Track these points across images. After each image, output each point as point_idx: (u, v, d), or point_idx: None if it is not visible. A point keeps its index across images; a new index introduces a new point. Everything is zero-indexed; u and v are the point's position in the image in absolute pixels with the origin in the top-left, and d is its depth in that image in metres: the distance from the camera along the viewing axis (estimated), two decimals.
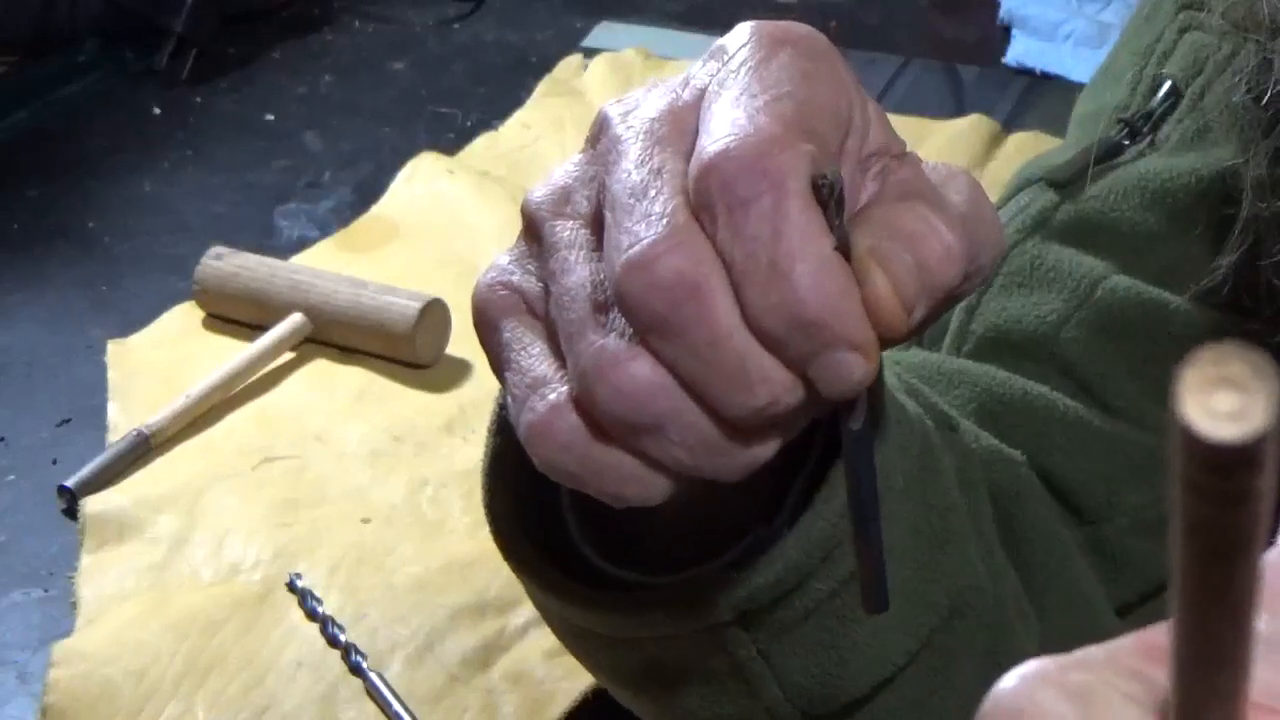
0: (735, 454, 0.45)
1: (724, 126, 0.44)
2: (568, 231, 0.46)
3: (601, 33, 1.84)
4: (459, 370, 1.31)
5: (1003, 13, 1.81)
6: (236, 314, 1.36)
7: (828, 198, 0.43)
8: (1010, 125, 1.61)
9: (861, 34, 1.81)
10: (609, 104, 0.47)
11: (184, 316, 1.38)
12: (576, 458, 0.45)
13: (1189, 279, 0.70)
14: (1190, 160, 0.71)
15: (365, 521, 1.16)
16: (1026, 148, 1.51)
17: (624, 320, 0.44)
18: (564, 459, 0.45)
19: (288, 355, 1.32)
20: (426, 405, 1.27)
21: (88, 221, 1.53)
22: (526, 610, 1.06)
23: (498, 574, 1.09)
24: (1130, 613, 0.71)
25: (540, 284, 0.47)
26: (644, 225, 0.43)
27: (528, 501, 0.57)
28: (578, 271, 0.45)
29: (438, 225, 1.48)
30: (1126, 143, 0.73)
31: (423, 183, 1.55)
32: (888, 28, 1.84)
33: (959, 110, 1.65)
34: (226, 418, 1.26)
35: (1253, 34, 0.66)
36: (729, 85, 0.45)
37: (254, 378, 1.30)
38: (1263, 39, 0.66)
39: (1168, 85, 0.72)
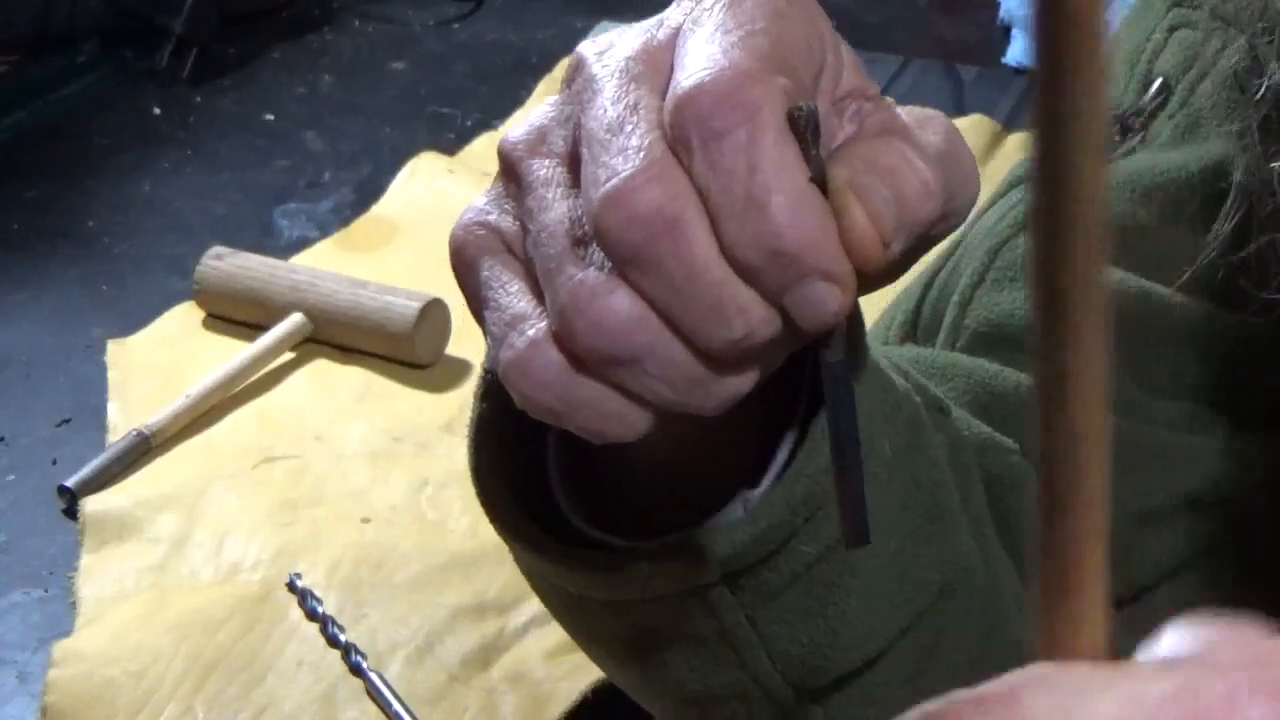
0: (713, 387, 0.45)
1: (699, 62, 0.44)
2: (544, 169, 0.46)
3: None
4: (459, 370, 1.31)
5: (1003, 13, 1.81)
6: (236, 314, 1.36)
7: (803, 130, 0.44)
8: (1010, 125, 1.61)
9: (861, 34, 1.81)
10: (584, 44, 0.48)
11: (184, 316, 1.38)
12: (556, 393, 0.45)
13: (1180, 272, 0.70)
14: (1181, 155, 0.71)
15: (365, 521, 1.16)
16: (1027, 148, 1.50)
17: (602, 255, 0.44)
18: (543, 395, 0.45)
19: (288, 355, 1.32)
20: (426, 405, 1.27)
21: (88, 221, 1.53)
22: (526, 610, 1.06)
23: (498, 574, 1.09)
24: (1123, 607, 0.71)
25: (517, 223, 0.47)
26: (621, 159, 0.43)
27: (515, 470, 0.57)
28: (555, 208, 0.45)
29: (438, 225, 1.48)
30: (1118, 139, 0.73)
31: (423, 182, 1.55)
32: (888, 28, 1.84)
33: (959, 110, 1.65)
34: (226, 418, 1.26)
35: (1243, 29, 0.67)
36: (703, 23, 0.45)
37: (254, 378, 1.30)
38: (1252, 33, 0.66)
39: (1159, 82, 0.73)
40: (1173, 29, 0.74)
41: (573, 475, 0.56)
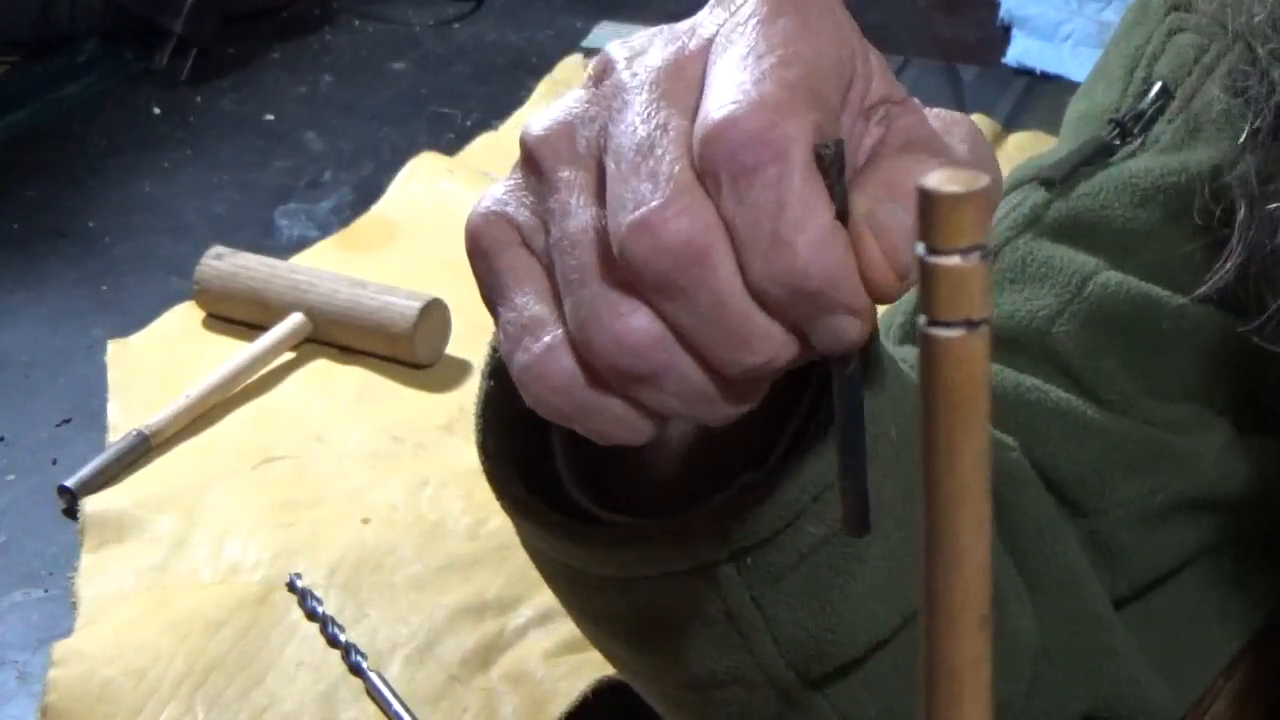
0: (725, 402, 0.46)
1: (729, 91, 0.44)
2: (569, 172, 0.46)
3: (601, 33, 1.84)
4: (459, 370, 1.31)
5: (1003, 13, 1.81)
6: (236, 314, 1.36)
7: (828, 167, 0.44)
8: (1010, 125, 1.61)
9: (861, 34, 1.81)
10: (614, 45, 0.48)
11: (184, 316, 1.38)
12: (569, 399, 0.46)
13: (1178, 275, 0.70)
14: (1180, 159, 0.71)
15: (365, 521, 1.16)
16: (1026, 147, 1.51)
17: (624, 272, 0.44)
18: (556, 400, 0.46)
19: (288, 355, 1.32)
20: (426, 405, 1.27)
21: (88, 221, 1.53)
22: (526, 610, 1.06)
23: (498, 574, 1.09)
24: (1124, 606, 0.71)
25: (536, 219, 0.47)
26: (650, 185, 0.44)
27: (521, 448, 0.57)
28: (579, 216, 0.46)
29: (438, 225, 1.48)
30: (1118, 143, 0.73)
31: (423, 183, 1.55)
32: (888, 27, 1.84)
33: (959, 110, 1.65)
34: (226, 418, 1.26)
35: (1241, 34, 0.67)
36: (735, 41, 0.46)
37: (254, 378, 1.30)
38: (1251, 39, 0.66)
39: (1158, 86, 0.73)
40: (1171, 33, 0.74)
41: (577, 456, 0.57)
